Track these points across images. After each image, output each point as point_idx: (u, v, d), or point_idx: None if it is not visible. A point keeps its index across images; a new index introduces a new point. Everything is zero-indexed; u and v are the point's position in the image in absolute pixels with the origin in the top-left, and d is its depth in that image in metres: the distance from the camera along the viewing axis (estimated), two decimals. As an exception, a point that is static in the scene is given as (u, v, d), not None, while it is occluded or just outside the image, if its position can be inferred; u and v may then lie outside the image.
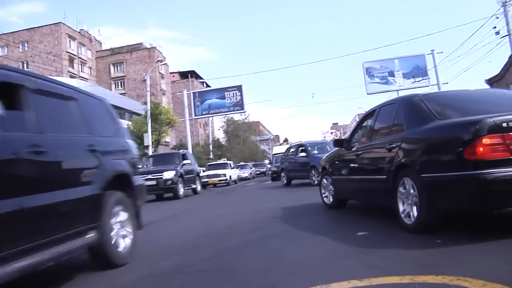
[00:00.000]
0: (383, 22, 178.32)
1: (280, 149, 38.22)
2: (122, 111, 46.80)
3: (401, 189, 5.08)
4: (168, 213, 11.59)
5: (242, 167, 42.18)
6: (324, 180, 8.42)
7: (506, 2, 26.79)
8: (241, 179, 35.34)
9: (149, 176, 16.23)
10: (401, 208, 5.11)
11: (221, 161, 39.89)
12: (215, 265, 4.46)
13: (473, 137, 4.01)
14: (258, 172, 47.70)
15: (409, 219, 4.93)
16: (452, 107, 5.14)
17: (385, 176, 5.46)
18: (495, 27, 27.96)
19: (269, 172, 33.31)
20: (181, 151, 23.23)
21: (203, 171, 29.60)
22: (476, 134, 3.99)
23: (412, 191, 4.84)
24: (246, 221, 7.73)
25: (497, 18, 27.56)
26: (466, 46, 76.45)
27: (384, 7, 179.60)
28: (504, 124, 3.96)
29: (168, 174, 16.79)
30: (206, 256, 4.94)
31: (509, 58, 33.11)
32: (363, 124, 7.14)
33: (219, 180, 27.49)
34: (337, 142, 7.78)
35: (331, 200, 8.09)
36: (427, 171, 4.59)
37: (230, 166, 31.29)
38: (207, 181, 26.72)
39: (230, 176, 28.27)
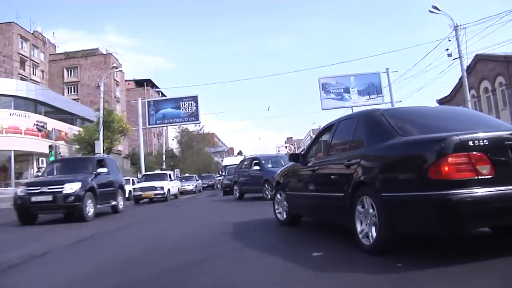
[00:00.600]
0: (340, 41, 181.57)
1: (231, 160, 38.31)
2: (73, 117, 45.47)
3: (359, 208, 4.80)
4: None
5: (186, 179, 38.67)
6: (278, 196, 8.08)
7: (458, 26, 27.55)
8: (185, 192, 32.70)
9: (43, 189, 11.65)
10: (359, 228, 4.82)
11: (159, 171, 36.56)
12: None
13: (438, 155, 3.79)
14: (205, 185, 43.04)
15: (368, 239, 4.64)
16: (414, 123, 4.91)
17: (342, 194, 5.17)
18: (447, 49, 28.85)
19: (220, 185, 32.06)
20: (97, 155, 19.84)
21: (137, 182, 27.99)
22: (441, 152, 3.78)
23: (371, 210, 4.57)
24: (195, 238, 7.30)
25: (449, 40, 28.40)
26: (420, 66, 78.43)
27: (341, 27, 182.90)
28: (470, 143, 3.77)
29: (71, 187, 11.72)
30: (145, 277, 4.47)
31: (459, 79, 34.04)
32: (320, 139, 6.89)
33: (155, 194, 23.15)
34: (293, 157, 7.47)
35: (285, 216, 7.75)
36: (388, 189, 4.32)
37: (170, 178, 26.84)
38: (140, 195, 23.39)
39: (168, 190, 24.01)
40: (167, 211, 15.70)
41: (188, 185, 35.09)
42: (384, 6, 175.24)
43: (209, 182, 44.97)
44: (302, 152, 7.25)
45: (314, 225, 7.52)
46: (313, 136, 7.34)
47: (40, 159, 35.82)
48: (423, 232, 4.56)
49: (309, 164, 6.62)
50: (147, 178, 26.38)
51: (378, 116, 5.10)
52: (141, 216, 14.25)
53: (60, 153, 31.49)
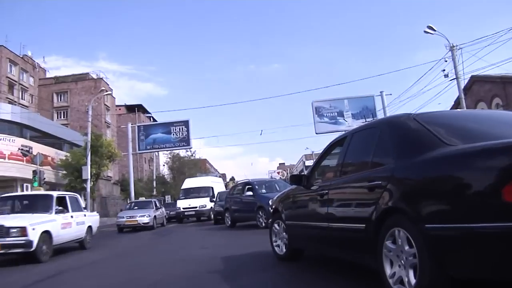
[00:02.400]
0: (331, 67, 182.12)
1: (193, 182, 32.53)
2: (61, 142, 44.12)
3: (388, 243, 3.59)
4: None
5: (138, 204, 26.61)
6: (276, 226, 6.85)
7: (454, 46, 26.90)
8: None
9: None
10: (388, 270, 3.60)
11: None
12: None
13: None
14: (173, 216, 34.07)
15: (402, 287, 3.41)
16: (459, 129, 3.74)
17: (363, 225, 3.94)
18: (444, 70, 28.20)
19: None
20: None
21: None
22: None
23: (407, 247, 3.34)
24: (176, 276, 6.05)
25: (446, 61, 27.76)
26: (415, 89, 78.26)
27: (332, 53, 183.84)
28: None
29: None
30: None
31: (455, 101, 33.26)
32: (329, 156, 5.68)
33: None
34: (295, 179, 6.19)
35: (284, 250, 6.51)
36: (435, 220, 3.05)
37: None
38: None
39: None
40: (150, 242, 14.29)
41: (140, 216, 21.97)
42: (373, 32, 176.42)
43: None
44: (306, 174, 5.99)
45: (320, 260, 6.30)
46: (321, 153, 6.05)
47: (25, 184, 34.27)
48: (489, 279, 2.99)
49: (314, 188, 5.42)
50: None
51: (410, 122, 3.92)
52: (120, 247, 12.90)
53: (44, 178, 30.21)
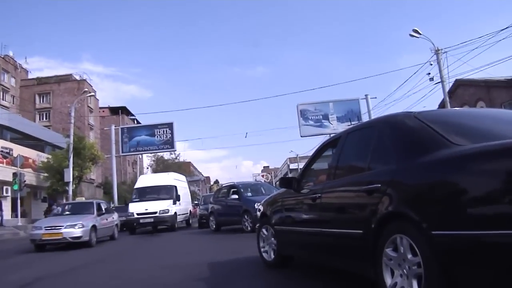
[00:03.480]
0: (315, 70, 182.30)
1: (147, 180, 25.30)
2: (42, 144, 43.46)
3: (389, 251, 3.33)
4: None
5: (68, 207, 17.46)
6: (264, 231, 6.56)
7: (439, 50, 27.01)
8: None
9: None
10: (388, 280, 3.34)
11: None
12: None
13: None
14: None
15: (404, 299, 3.15)
16: (464, 127, 3.52)
17: (360, 231, 3.69)
18: (429, 73, 28.36)
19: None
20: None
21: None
22: None
23: (410, 256, 3.08)
24: (161, 284, 5.76)
25: (431, 65, 27.88)
26: (401, 91, 78.68)
27: (316, 57, 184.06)
28: None
29: None
30: None
31: (440, 104, 33.35)
32: (321, 158, 5.42)
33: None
34: (284, 182, 5.88)
35: (273, 256, 6.23)
36: (444, 226, 2.77)
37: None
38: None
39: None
40: (132, 247, 13.90)
41: (68, 227, 13.73)
42: (358, 35, 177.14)
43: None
44: (297, 176, 5.74)
45: (311, 267, 6.04)
46: (312, 155, 5.80)
47: (5, 187, 33.49)
48: None
49: (306, 191, 5.17)
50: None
51: (411, 121, 3.68)
52: (99, 252, 12.44)
53: (25, 181, 29.59)
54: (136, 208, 21.20)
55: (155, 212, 20.65)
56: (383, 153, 3.79)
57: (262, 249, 6.61)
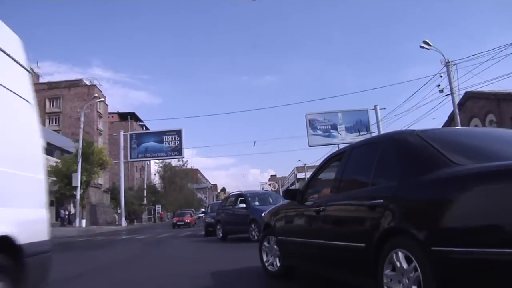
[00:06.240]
0: (323, 81, 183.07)
1: None
2: (51, 148, 43.72)
3: (390, 265, 3.40)
4: None
5: None
6: (267, 241, 6.63)
7: (449, 62, 26.99)
8: None
9: None
10: None
11: None
12: None
13: None
14: None
15: (403, 312, 3.21)
16: (468, 148, 3.60)
17: (363, 244, 3.77)
18: (439, 85, 28.32)
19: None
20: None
21: None
22: None
23: (410, 269, 3.15)
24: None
25: (441, 76, 27.82)
26: (410, 103, 78.31)
27: (324, 67, 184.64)
28: None
29: None
30: None
31: (449, 117, 33.23)
32: (325, 172, 5.51)
33: None
34: (289, 193, 5.97)
35: (277, 267, 6.28)
36: (442, 242, 2.85)
37: None
38: None
39: None
40: (140, 253, 13.92)
41: None
42: (368, 46, 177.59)
43: None
44: (301, 188, 5.82)
45: (313, 278, 6.09)
46: (316, 168, 5.88)
47: (13, 191, 33.70)
48: None
49: (309, 203, 5.24)
50: None
51: (415, 139, 3.76)
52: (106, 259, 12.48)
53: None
54: None
55: None
56: (387, 169, 3.89)
57: (264, 259, 6.66)
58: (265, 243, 6.68)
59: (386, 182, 3.78)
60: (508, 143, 3.80)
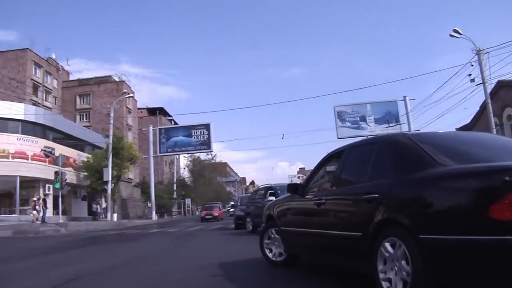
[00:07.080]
0: (352, 72, 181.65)
1: None
2: (83, 143, 44.54)
3: (383, 251, 3.87)
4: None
5: None
6: (270, 232, 7.03)
7: (480, 50, 26.45)
8: None
9: None
10: (381, 275, 3.87)
11: None
12: None
13: (505, 189, 2.87)
14: None
15: (393, 291, 3.70)
16: (450, 150, 4.11)
17: (359, 233, 4.22)
18: (470, 75, 27.73)
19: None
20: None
21: None
22: (509, 185, 2.86)
23: (401, 254, 3.67)
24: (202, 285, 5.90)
25: (472, 65, 27.26)
26: (440, 93, 76.80)
27: (352, 58, 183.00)
28: None
29: None
30: None
31: (481, 106, 32.60)
32: (325, 168, 5.95)
33: None
34: (292, 188, 6.38)
35: (281, 256, 6.78)
36: (429, 231, 3.37)
37: None
38: None
39: None
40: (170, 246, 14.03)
41: None
42: (396, 36, 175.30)
43: None
44: (303, 183, 6.29)
45: (313, 266, 6.42)
46: (316, 165, 6.24)
47: (47, 185, 34.22)
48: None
49: (310, 196, 5.63)
50: None
51: (407, 142, 4.28)
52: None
53: (66, 179, 30.31)
54: None
55: None
56: (382, 167, 4.37)
57: (266, 249, 7.08)
58: (269, 233, 7.02)
59: (381, 179, 4.21)
60: (492, 148, 4.36)
